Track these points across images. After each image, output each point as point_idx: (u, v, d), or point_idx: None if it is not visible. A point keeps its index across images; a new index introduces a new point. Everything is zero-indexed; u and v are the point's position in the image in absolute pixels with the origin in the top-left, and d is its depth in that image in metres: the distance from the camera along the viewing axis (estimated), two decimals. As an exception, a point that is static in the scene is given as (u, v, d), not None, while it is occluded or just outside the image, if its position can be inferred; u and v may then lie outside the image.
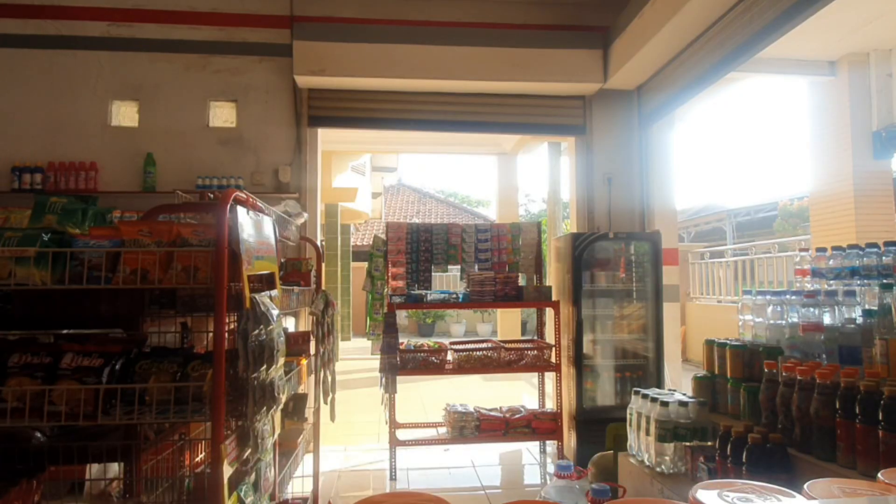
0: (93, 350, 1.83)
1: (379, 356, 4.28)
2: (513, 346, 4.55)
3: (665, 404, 2.37)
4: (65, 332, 2.36)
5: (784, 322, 2.41)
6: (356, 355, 10.52)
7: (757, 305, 2.60)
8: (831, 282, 2.45)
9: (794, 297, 2.40)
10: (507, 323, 8.80)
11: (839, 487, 0.98)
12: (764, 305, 2.53)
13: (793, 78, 5.76)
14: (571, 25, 5.47)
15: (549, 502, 1.26)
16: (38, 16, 5.06)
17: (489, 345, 4.56)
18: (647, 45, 4.62)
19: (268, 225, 2.15)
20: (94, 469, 2.32)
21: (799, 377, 1.97)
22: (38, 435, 2.21)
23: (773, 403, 2.10)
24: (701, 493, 0.93)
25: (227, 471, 1.76)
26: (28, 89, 5.01)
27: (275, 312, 1.97)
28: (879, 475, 1.06)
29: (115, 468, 2.37)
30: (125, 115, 5.17)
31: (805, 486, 1.00)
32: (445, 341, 4.77)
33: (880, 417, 1.67)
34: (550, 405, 4.70)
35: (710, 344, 2.66)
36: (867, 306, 2.19)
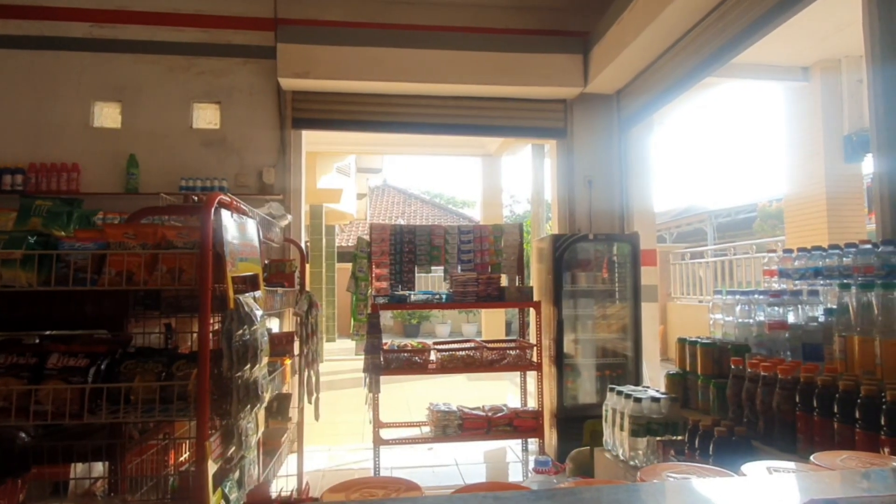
0: (78, 350, 1.86)
1: (363, 357, 4.33)
2: (495, 345, 4.62)
3: (638, 400, 2.45)
4: (48, 332, 2.38)
5: (752, 321, 2.51)
6: (341, 356, 10.55)
7: (727, 305, 2.70)
8: (797, 282, 2.55)
9: (761, 297, 2.49)
10: (491, 323, 8.88)
11: (771, 467, 1.06)
12: (733, 305, 2.63)
13: (767, 83, 5.92)
14: (553, 30, 5.57)
15: (521, 486, 1.32)
16: (19, 16, 5.03)
17: (472, 345, 4.63)
18: (626, 51, 4.72)
19: (251, 227, 2.19)
20: (78, 468, 2.35)
21: (763, 373, 2.06)
22: (23, 435, 2.23)
23: (739, 398, 2.19)
24: (646, 474, 1.00)
25: (212, 467, 1.81)
26: (9, 90, 4.98)
27: (258, 313, 2.02)
28: (812, 458, 1.15)
29: (99, 468, 2.40)
30: (108, 116, 5.16)
31: (741, 467, 1.08)
32: (430, 342, 4.83)
33: (835, 410, 1.76)
34: (533, 404, 4.78)
35: (682, 342, 2.75)
36: (829, 305, 2.30)
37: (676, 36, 4.55)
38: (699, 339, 2.63)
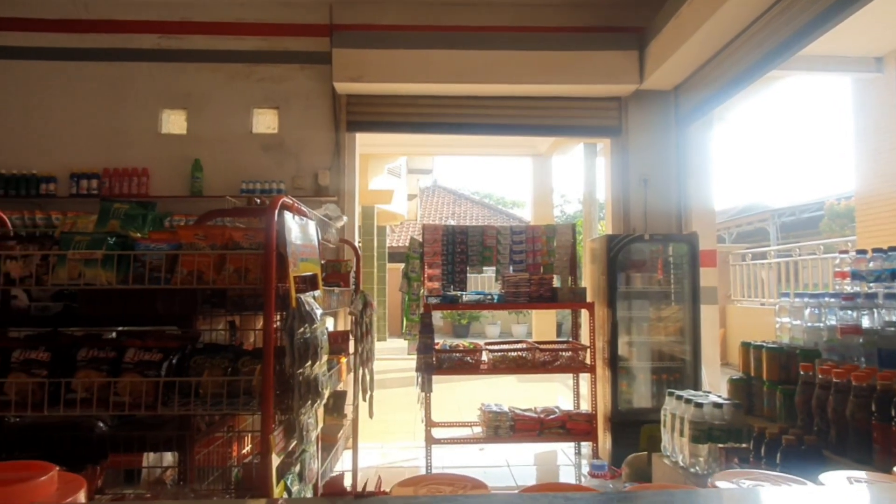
0: (153, 345, 1.97)
1: (415, 356, 4.38)
2: (547, 347, 4.58)
3: (699, 406, 2.38)
4: (123, 328, 2.53)
5: (822, 325, 2.39)
6: (392, 355, 10.67)
7: (794, 308, 2.58)
8: (871, 284, 2.42)
9: (832, 300, 2.38)
10: (542, 324, 8.80)
11: (852, 478, 1.01)
12: (801, 308, 2.52)
13: (836, 75, 5.62)
14: (607, 27, 5.46)
15: (588, 488, 1.30)
16: (94, 30, 5.34)
17: (523, 346, 4.60)
18: (684, 46, 4.59)
19: (311, 228, 2.26)
20: (150, 458, 2.48)
21: (835, 380, 1.96)
22: (101, 424, 2.38)
23: (808, 406, 2.09)
24: (718, 481, 0.97)
25: (276, 460, 1.87)
26: (85, 99, 5.30)
27: (318, 312, 2.08)
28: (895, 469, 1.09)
29: (169, 457, 2.52)
30: (174, 122, 5.42)
31: (819, 476, 1.03)
32: (481, 342, 4.83)
33: (917, 421, 1.67)
34: (585, 406, 4.71)
35: (746, 346, 2.65)
36: (908, 309, 2.17)
37: (738, 29, 4.39)
38: (765, 344, 2.53)
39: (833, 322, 2.35)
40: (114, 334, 2.46)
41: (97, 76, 5.34)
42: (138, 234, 2.07)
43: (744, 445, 2.26)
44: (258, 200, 2.58)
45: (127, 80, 5.34)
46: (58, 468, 0.86)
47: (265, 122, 5.43)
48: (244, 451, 2.72)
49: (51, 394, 1.89)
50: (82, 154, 5.20)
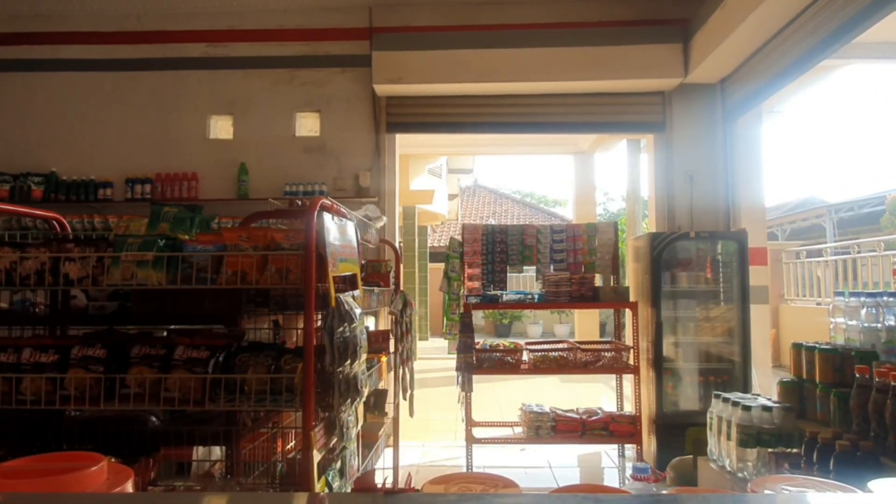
0: (200, 343, 2.04)
1: (455, 355, 4.39)
2: (589, 347, 4.51)
3: (747, 409, 2.30)
4: (174, 327, 2.63)
5: (880, 325, 2.28)
6: (433, 355, 10.73)
7: (850, 307, 2.47)
8: (935, 283, 2.29)
9: (890, 299, 2.26)
10: (585, 324, 8.68)
11: (903, 486, 0.96)
12: (857, 308, 2.41)
13: (898, 62, 5.33)
14: (649, 20, 5.34)
15: (622, 490, 1.29)
16: (147, 41, 5.57)
17: (565, 346, 4.55)
18: (731, 37, 4.44)
19: (350, 229, 2.29)
20: (199, 451, 2.57)
21: (893, 383, 1.87)
22: (154, 419, 2.48)
23: (864, 410, 2.00)
24: (757, 485, 0.94)
25: (317, 456, 1.92)
26: (139, 108, 5.54)
27: (357, 311, 2.11)
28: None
29: (217, 451, 2.61)
30: (221, 128, 5.60)
31: (868, 483, 0.98)
32: (522, 342, 4.80)
33: None
34: (629, 408, 4.61)
35: (797, 347, 2.55)
36: (976, 309, 2.04)
37: (788, 17, 4.22)
38: (818, 345, 2.43)
39: (892, 322, 2.24)
40: (165, 332, 2.57)
41: (150, 85, 5.57)
42: (186, 237, 2.14)
43: (794, 450, 2.18)
44: (300, 202, 2.65)
45: (177, 88, 5.55)
46: (108, 459, 0.91)
47: (307, 125, 5.55)
48: (288, 447, 2.78)
49: (107, 389, 1.99)
50: (136, 160, 5.43)
